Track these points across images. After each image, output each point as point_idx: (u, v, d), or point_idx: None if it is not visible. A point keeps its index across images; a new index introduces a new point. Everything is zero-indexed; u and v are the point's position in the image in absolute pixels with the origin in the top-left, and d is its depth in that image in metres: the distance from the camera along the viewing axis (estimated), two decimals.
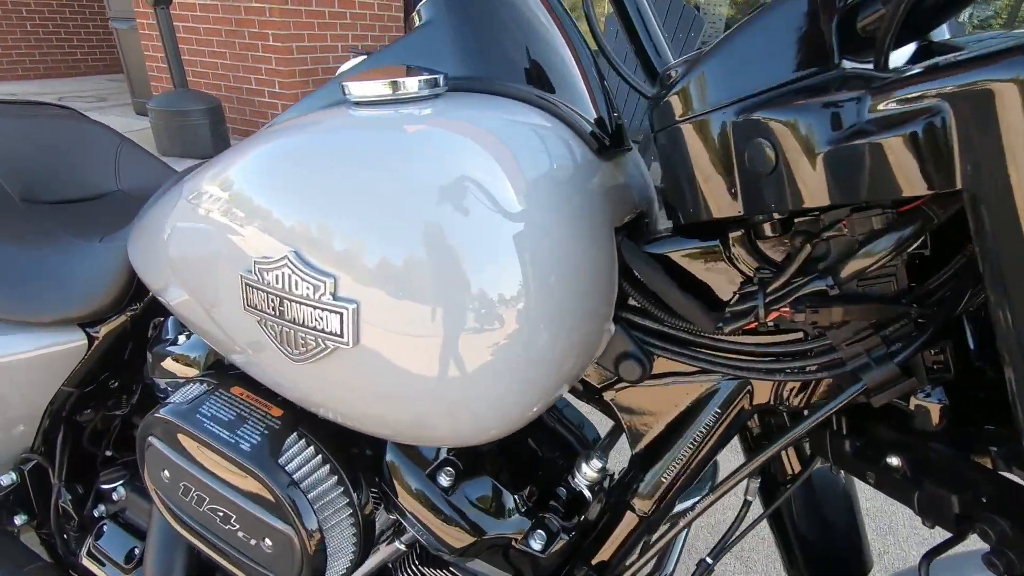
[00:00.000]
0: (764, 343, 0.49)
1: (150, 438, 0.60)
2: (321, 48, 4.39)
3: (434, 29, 0.51)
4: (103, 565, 0.86)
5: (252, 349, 0.47)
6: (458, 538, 0.54)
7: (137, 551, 0.84)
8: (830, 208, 0.40)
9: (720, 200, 0.40)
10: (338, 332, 0.40)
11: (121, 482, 0.91)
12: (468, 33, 0.50)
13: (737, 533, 0.59)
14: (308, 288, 0.40)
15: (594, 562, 0.58)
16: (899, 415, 0.47)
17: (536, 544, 0.55)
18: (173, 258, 0.55)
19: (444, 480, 0.55)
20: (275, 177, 0.42)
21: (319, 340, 0.41)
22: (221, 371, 0.63)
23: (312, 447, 0.55)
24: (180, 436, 0.57)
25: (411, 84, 0.43)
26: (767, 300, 0.44)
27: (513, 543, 0.55)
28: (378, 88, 0.44)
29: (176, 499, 0.59)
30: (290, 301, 0.41)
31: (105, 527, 0.87)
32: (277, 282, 0.41)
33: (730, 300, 0.48)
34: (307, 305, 0.40)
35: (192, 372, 0.68)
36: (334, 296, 0.39)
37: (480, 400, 0.43)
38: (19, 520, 0.95)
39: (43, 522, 0.97)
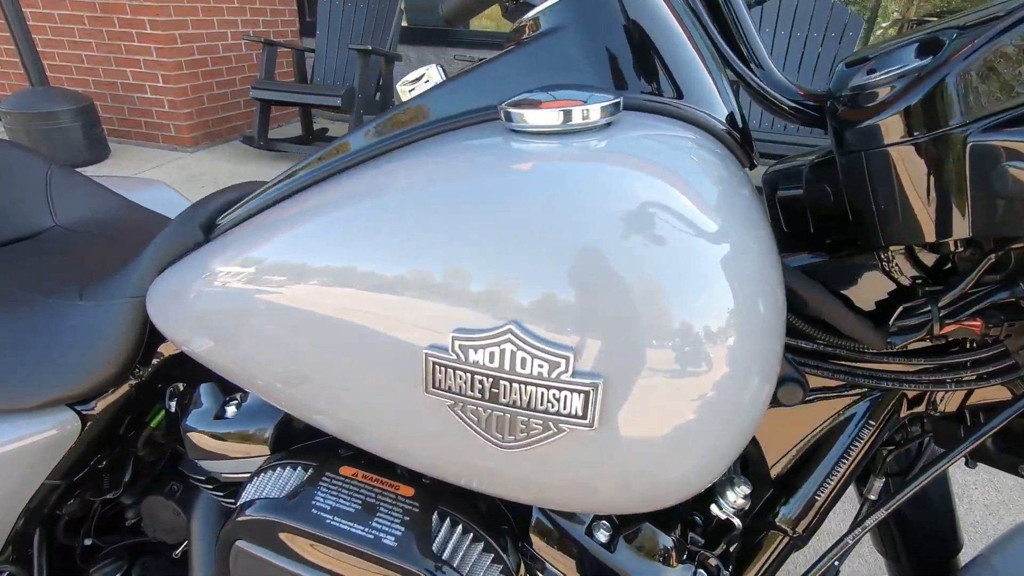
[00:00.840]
0: (929, 354, 0.48)
1: (239, 544, 0.49)
2: (209, 36, 3.96)
3: (563, 39, 0.45)
4: None
5: (427, 437, 0.39)
6: None
7: None
8: None
9: (942, 223, 0.38)
10: (580, 414, 0.34)
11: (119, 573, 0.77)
12: (605, 42, 0.45)
13: (860, 530, 0.60)
14: (542, 366, 0.33)
15: None
16: None
17: None
18: (274, 333, 0.44)
19: (602, 536, 0.50)
20: (466, 230, 0.35)
21: (550, 424, 0.35)
22: (310, 449, 0.54)
23: (460, 525, 0.48)
24: (290, 538, 0.47)
25: (594, 112, 0.37)
26: (941, 313, 0.44)
27: None
28: (543, 116, 0.38)
29: None
30: (512, 382, 0.34)
31: None
32: (492, 360, 0.34)
33: (892, 314, 0.47)
34: (540, 385, 0.34)
35: (257, 450, 0.57)
36: (574, 372, 0.33)
37: (696, 456, 0.39)
38: None
39: None
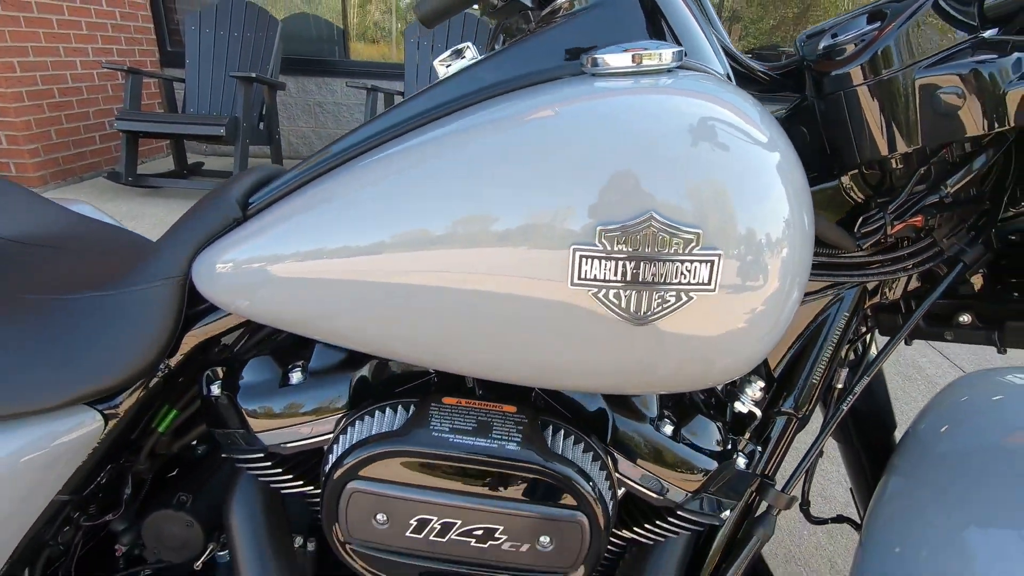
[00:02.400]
0: (883, 253, 0.64)
1: (354, 485, 0.50)
2: (54, 64, 3.56)
3: (609, 10, 0.54)
4: None
5: (566, 332, 0.44)
6: (693, 474, 0.58)
7: None
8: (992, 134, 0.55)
9: (902, 137, 0.53)
10: (706, 280, 0.42)
11: None
12: (632, 16, 0.55)
13: (844, 406, 0.73)
14: (678, 243, 0.41)
15: (768, 472, 0.68)
16: (950, 290, 0.67)
17: (742, 463, 0.62)
18: (380, 278, 0.47)
19: (668, 429, 0.59)
20: (590, 150, 0.42)
21: (682, 293, 0.42)
22: (396, 394, 0.56)
23: (562, 430, 0.53)
24: (414, 464, 0.49)
25: (666, 56, 0.47)
26: (891, 217, 0.60)
27: (726, 470, 0.61)
28: (625, 59, 0.47)
29: (399, 544, 0.51)
30: (653, 260, 0.41)
31: None
32: (636, 245, 0.41)
33: (855, 225, 0.62)
34: (676, 260, 0.41)
35: (333, 409, 0.57)
36: (703, 247, 0.41)
37: (760, 332, 0.49)
38: None
39: None
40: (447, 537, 0.51)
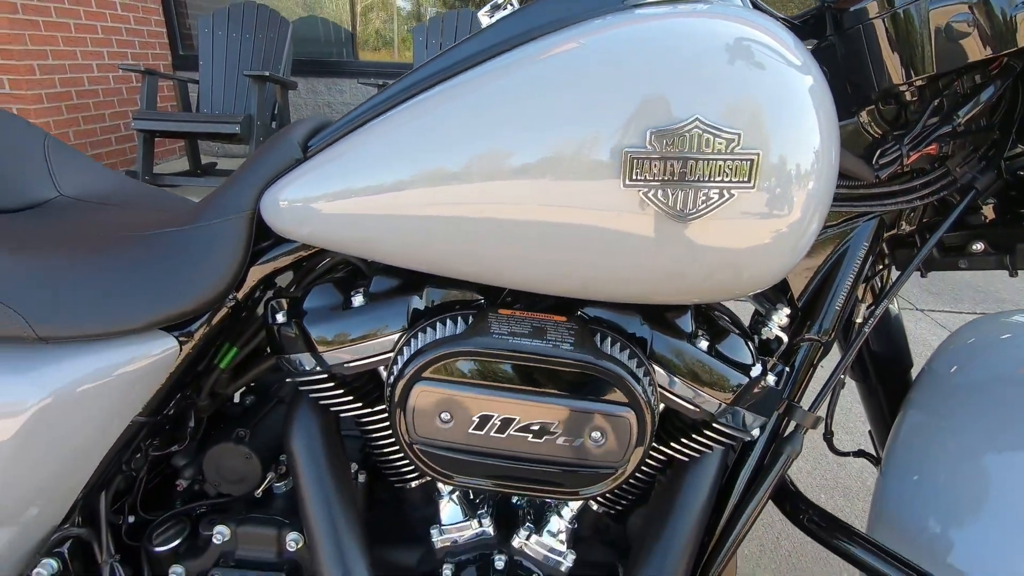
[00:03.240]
0: (900, 182, 0.68)
1: (420, 386, 0.55)
2: (72, 67, 3.64)
3: None
4: None
5: (619, 236, 0.49)
6: (726, 388, 0.62)
7: None
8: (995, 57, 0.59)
9: (918, 64, 0.58)
10: (746, 178, 0.47)
11: (219, 521, 0.75)
12: None
13: (862, 335, 0.77)
14: (721, 143, 0.46)
15: (794, 396, 0.72)
16: (963, 221, 0.72)
17: (772, 380, 0.66)
18: (440, 200, 0.52)
19: (703, 344, 0.63)
20: (643, 59, 0.47)
21: (724, 191, 0.47)
22: (452, 309, 0.61)
23: (609, 337, 0.58)
24: (476, 364, 0.54)
25: None
26: (907, 148, 0.64)
27: (756, 386, 0.65)
28: None
29: (462, 441, 0.56)
30: (698, 160, 0.46)
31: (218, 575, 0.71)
32: (683, 145, 0.46)
33: (873, 157, 0.67)
34: (719, 159, 0.46)
35: (394, 328, 0.61)
36: (743, 147, 0.46)
37: (787, 244, 0.53)
38: None
39: None
40: (506, 433, 0.55)
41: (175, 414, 0.76)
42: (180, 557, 0.75)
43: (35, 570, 0.67)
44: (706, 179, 0.47)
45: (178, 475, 0.82)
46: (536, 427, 0.55)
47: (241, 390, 0.91)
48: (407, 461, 0.74)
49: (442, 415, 0.55)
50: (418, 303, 0.62)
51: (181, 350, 0.66)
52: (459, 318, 0.59)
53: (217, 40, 3.85)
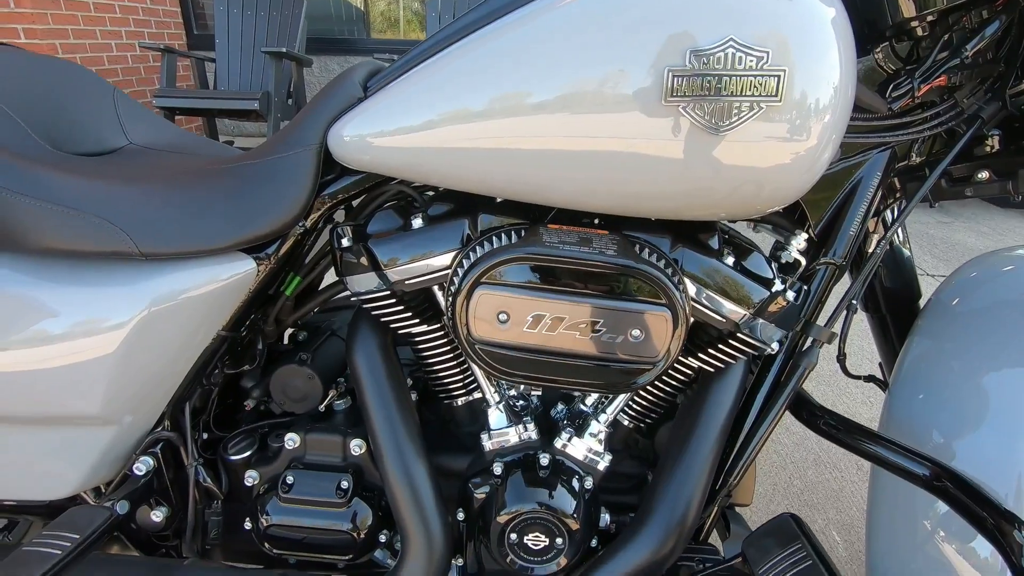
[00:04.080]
0: (910, 117, 0.74)
1: (481, 290, 0.62)
2: (92, 47, 3.71)
3: None
4: (302, 513, 0.79)
5: (657, 148, 0.56)
6: (749, 300, 0.69)
7: (345, 482, 0.79)
8: None
9: (927, 1, 0.64)
10: (773, 92, 0.53)
11: (291, 430, 0.83)
12: None
13: (874, 258, 0.83)
14: (751, 60, 0.52)
15: (812, 317, 0.79)
16: (969, 153, 0.78)
17: (791, 296, 0.73)
18: (494, 126, 0.59)
19: (729, 259, 0.70)
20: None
21: (754, 104, 0.54)
22: (504, 228, 0.68)
23: (648, 246, 0.65)
24: (530, 268, 0.61)
25: None
26: (918, 81, 0.70)
27: (777, 300, 0.72)
28: None
29: (515, 337, 0.63)
30: (732, 76, 0.52)
31: (291, 476, 0.79)
32: (718, 63, 0.52)
33: (886, 91, 0.73)
34: (749, 75, 0.52)
35: (451, 246, 0.68)
36: (771, 64, 0.52)
37: (805, 163, 0.60)
38: (160, 515, 0.79)
39: (173, 517, 0.82)
40: (556, 331, 0.63)
41: (246, 336, 0.84)
42: (254, 464, 0.83)
43: (135, 465, 0.76)
44: (738, 93, 0.53)
45: (246, 397, 0.91)
46: (583, 325, 0.62)
47: (297, 325, 0.99)
48: (456, 377, 0.82)
49: (500, 316, 0.63)
50: (472, 224, 0.69)
51: (258, 271, 0.74)
52: (512, 232, 0.66)
53: (232, 18, 3.89)
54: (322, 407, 0.86)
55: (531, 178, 0.62)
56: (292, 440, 0.81)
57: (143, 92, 4.12)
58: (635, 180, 0.59)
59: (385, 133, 0.65)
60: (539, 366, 0.65)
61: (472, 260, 0.64)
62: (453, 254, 0.69)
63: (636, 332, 0.63)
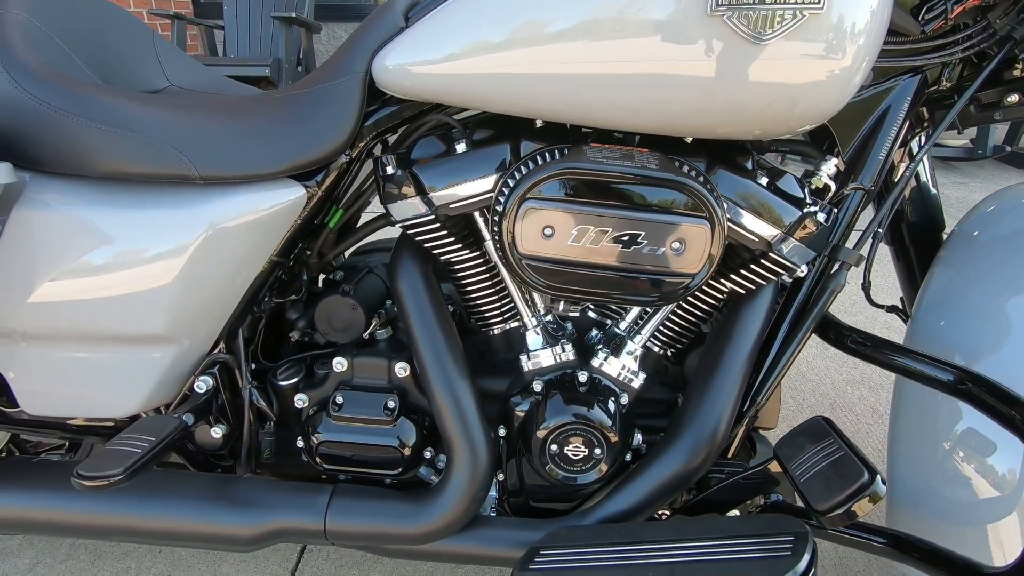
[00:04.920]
0: (943, 39, 0.75)
1: (529, 204, 0.65)
2: None
3: None
4: (351, 431, 0.83)
5: (693, 60, 0.58)
6: (782, 220, 0.72)
7: (392, 402, 0.84)
8: None
9: None
10: (816, 1, 0.55)
11: (339, 355, 0.87)
12: None
13: (903, 182, 0.85)
14: None
15: (841, 241, 0.81)
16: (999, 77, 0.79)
17: (822, 217, 0.75)
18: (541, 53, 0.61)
19: (763, 179, 0.72)
20: None
21: (797, 12, 0.56)
22: (546, 150, 0.70)
23: (686, 164, 0.68)
24: (575, 182, 0.64)
25: None
26: (951, 1, 0.71)
27: (808, 221, 0.74)
28: None
29: (560, 251, 0.66)
30: None
31: (340, 397, 0.84)
32: None
33: (920, 13, 0.74)
34: None
35: (495, 167, 0.71)
36: None
37: (832, 89, 0.62)
38: (219, 432, 0.84)
39: (229, 436, 0.87)
40: (600, 244, 0.66)
41: (293, 266, 0.87)
42: (302, 389, 0.88)
43: (196, 384, 0.80)
44: (782, 1, 0.55)
45: (291, 328, 0.95)
46: (625, 238, 0.65)
47: (336, 262, 1.03)
48: (494, 305, 0.85)
49: (545, 230, 0.66)
50: (514, 148, 0.72)
51: (308, 198, 0.77)
52: (555, 152, 0.68)
53: None
54: (365, 335, 0.90)
55: (573, 99, 0.64)
56: (340, 363, 0.85)
57: None
58: (675, 97, 0.62)
59: (428, 60, 0.67)
60: (584, 279, 0.68)
61: (518, 178, 0.66)
62: (496, 177, 0.71)
63: (677, 244, 0.65)
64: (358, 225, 0.96)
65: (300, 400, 0.87)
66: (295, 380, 0.88)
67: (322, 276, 1.02)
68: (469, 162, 0.73)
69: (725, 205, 0.70)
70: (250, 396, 0.84)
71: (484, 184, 0.72)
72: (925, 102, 0.84)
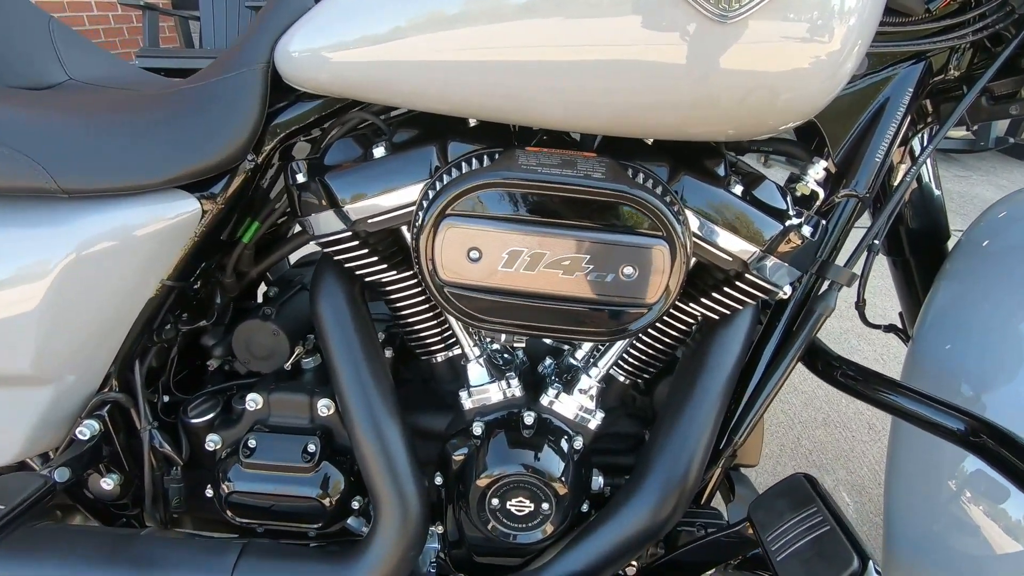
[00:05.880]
0: (951, 19, 0.64)
1: (447, 222, 0.53)
2: (71, 5, 3.55)
3: None
4: (265, 479, 0.72)
5: (648, 45, 0.47)
6: (760, 235, 0.60)
7: (312, 445, 0.72)
8: None
9: None
10: None
11: (252, 390, 0.76)
12: None
13: (907, 180, 0.73)
14: None
15: (830, 257, 0.70)
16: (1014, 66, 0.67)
17: (807, 231, 0.64)
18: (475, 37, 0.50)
19: (737, 188, 0.61)
20: None
21: None
22: (475, 155, 0.59)
23: (642, 172, 0.56)
24: (504, 195, 0.52)
25: None
26: None
27: (792, 235, 0.63)
28: None
29: (488, 278, 0.55)
30: None
31: (253, 440, 0.72)
32: None
33: None
34: None
35: (418, 176, 0.60)
36: None
37: (808, 83, 0.50)
38: (111, 482, 0.72)
39: (128, 484, 0.76)
40: (536, 269, 0.54)
41: (203, 289, 0.76)
42: (216, 428, 0.77)
43: (78, 429, 0.69)
44: None
45: (208, 356, 0.84)
46: (567, 262, 0.54)
47: (265, 278, 0.91)
48: (433, 330, 0.74)
49: (471, 252, 0.54)
50: (441, 151, 0.60)
51: (204, 212, 0.65)
52: (484, 157, 0.57)
53: None
54: (288, 365, 0.78)
55: (512, 92, 0.52)
56: (254, 401, 0.74)
57: (128, 54, 3.96)
58: (632, 88, 0.50)
59: (339, 45, 0.55)
60: (517, 311, 0.57)
61: (438, 189, 0.55)
62: (420, 186, 0.60)
63: (629, 269, 0.54)
64: (288, 236, 0.85)
65: (212, 442, 0.76)
66: (209, 417, 0.77)
67: (264, 290, 0.91)
68: (388, 169, 0.61)
69: (692, 219, 0.59)
70: (151, 439, 0.73)
71: (407, 195, 0.61)
72: (929, 94, 0.72)
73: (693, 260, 0.64)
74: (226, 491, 0.72)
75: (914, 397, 0.62)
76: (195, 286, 0.74)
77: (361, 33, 0.54)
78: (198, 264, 0.70)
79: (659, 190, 0.55)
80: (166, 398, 0.81)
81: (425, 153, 0.60)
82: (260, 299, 0.91)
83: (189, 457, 0.77)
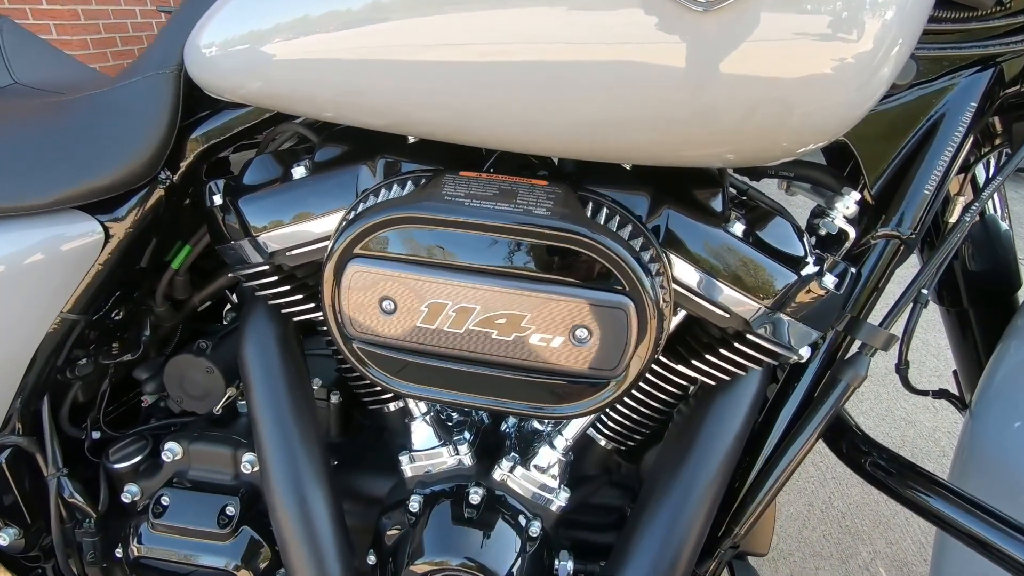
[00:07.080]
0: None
1: (354, 265, 0.42)
2: (116, 12, 3.65)
3: None
4: (175, 543, 0.63)
5: (614, 44, 0.35)
6: (766, 287, 0.47)
7: (231, 508, 0.62)
8: None
9: None
10: None
11: (172, 438, 0.67)
12: None
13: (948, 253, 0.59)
14: None
15: (862, 311, 0.56)
16: None
17: (830, 282, 0.50)
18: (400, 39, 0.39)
19: (737, 228, 0.48)
20: None
21: None
22: (408, 175, 0.48)
23: (605, 206, 0.43)
24: (423, 234, 0.41)
25: None
26: None
27: (810, 288, 0.49)
28: None
29: (409, 337, 0.44)
30: None
31: (166, 497, 0.63)
32: None
33: None
34: None
35: (341, 201, 0.49)
36: None
37: (830, 100, 0.37)
38: (7, 537, 0.64)
39: (34, 536, 0.68)
40: (464, 327, 0.43)
41: (124, 318, 0.67)
42: (138, 476, 0.68)
43: None
44: None
45: (142, 391, 0.75)
46: (502, 320, 0.42)
47: (208, 304, 0.83)
48: None
49: (383, 303, 0.43)
50: (369, 173, 0.49)
51: (108, 236, 0.57)
52: (409, 181, 0.46)
53: None
54: (218, 409, 0.69)
55: (456, 102, 0.41)
56: (171, 451, 0.65)
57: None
58: (595, 99, 0.38)
59: (253, 37, 0.45)
60: (441, 376, 0.45)
61: (348, 222, 0.44)
62: (342, 215, 0.49)
63: (582, 332, 0.42)
64: None
65: (129, 493, 0.67)
66: (134, 462, 0.69)
67: (232, 313, 0.83)
68: (306, 193, 0.51)
69: (678, 265, 0.46)
70: (60, 488, 0.65)
71: (326, 224, 0.50)
72: (999, 109, 0.57)
73: (683, 313, 0.51)
74: (134, 553, 0.63)
75: (965, 508, 0.48)
76: (115, 317, 0.65)
77: (278, 21, 0.44)
78: (108, 294, 0.61)
79: (627, 230, 0.42)
80: (96, 435, 0.73)
81: (350, 176, 0.49)
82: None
83: (108, 507, 0.69)
